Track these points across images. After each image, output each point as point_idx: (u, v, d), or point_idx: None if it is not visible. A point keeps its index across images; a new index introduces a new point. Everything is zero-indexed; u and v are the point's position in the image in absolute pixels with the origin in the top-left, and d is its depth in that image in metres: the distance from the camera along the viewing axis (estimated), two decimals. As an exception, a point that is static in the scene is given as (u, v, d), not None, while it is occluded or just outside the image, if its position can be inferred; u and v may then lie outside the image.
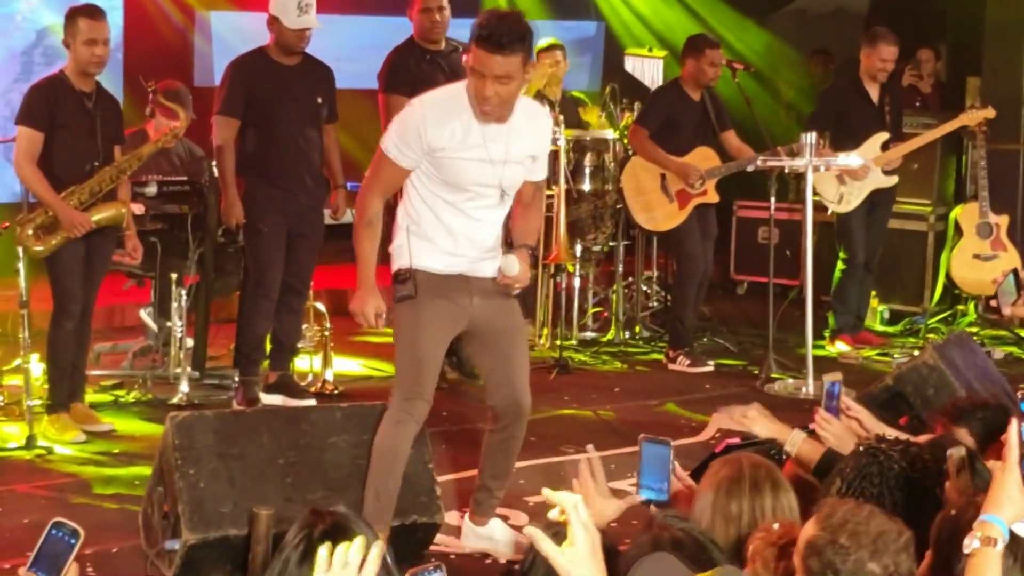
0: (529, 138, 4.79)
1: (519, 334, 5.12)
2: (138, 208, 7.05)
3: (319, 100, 7.10)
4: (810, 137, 7.78)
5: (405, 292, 4.80)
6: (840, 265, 8.77)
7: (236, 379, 7.18)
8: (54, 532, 2.54)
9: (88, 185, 6.47)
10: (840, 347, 8.68)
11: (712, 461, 3.30)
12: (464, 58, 4.85)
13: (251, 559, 4.49)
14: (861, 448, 3.21)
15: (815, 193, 8.12)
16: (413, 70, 7.52)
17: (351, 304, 4.87)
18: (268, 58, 7.08)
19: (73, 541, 2.52)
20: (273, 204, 6.97)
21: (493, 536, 5.09)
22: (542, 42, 9.25)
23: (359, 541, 2.49)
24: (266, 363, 7.22)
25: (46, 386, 6.66)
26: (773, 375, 7.91)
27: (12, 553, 4.93)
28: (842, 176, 8.49)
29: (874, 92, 8.58)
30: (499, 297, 4.94)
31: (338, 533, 2.95)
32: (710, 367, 8.31)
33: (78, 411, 6.64)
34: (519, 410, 5.01)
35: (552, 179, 8.42)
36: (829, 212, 8.74)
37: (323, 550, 2.48)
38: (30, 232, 6.40)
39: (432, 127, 4.68)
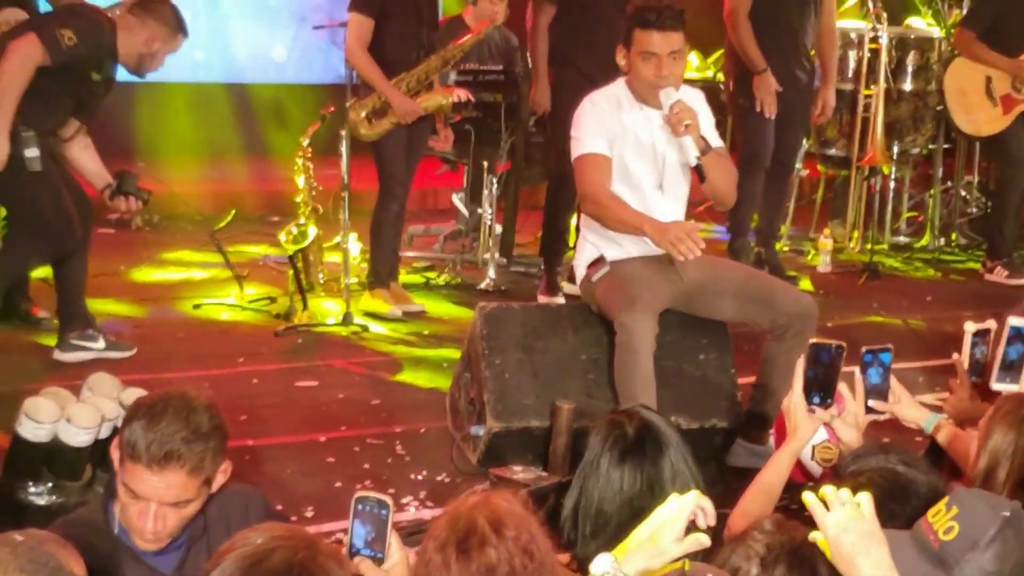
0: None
1: (729, 263, 5.36)
2: (463, 94, 7.15)
3: None
4: None
5: (601, 270, 4.79)
6: None
7: (541, 268, 7.29)
8: (361, 507, 2.44)
9: (416, 72, 6.62)
10: None
11: (1005, 396, 3.16)
12: (621, 59, 4.85)
13: (552, 451, 4.60)
14: None
15: None
16: None
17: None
18: None
19: (384, 512, 2.43)
20: (581, 96, 6.96)
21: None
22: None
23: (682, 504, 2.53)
24: (570, 253, 7.31)
25: (363, 265, 6.92)
26: (1099, 289, 7.53)
27: (328, 426, 5.19)
28: None
29: None
30: (698, 260, 4.85)
31: (651, 429, 3.00)
32: (1030, 279, 7.99)
33: (393, 291, 6.88)
34: (803, 312, 4.78)
35: (872, 78, 8.20)
36: None
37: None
38: (362, 115, 6.59)
39: (610, 118, 4.79)
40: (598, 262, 4.82)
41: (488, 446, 4.74)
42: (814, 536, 2.45)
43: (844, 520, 2.41)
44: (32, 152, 5.39)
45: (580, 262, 4.95)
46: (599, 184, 4.78)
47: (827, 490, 2.49)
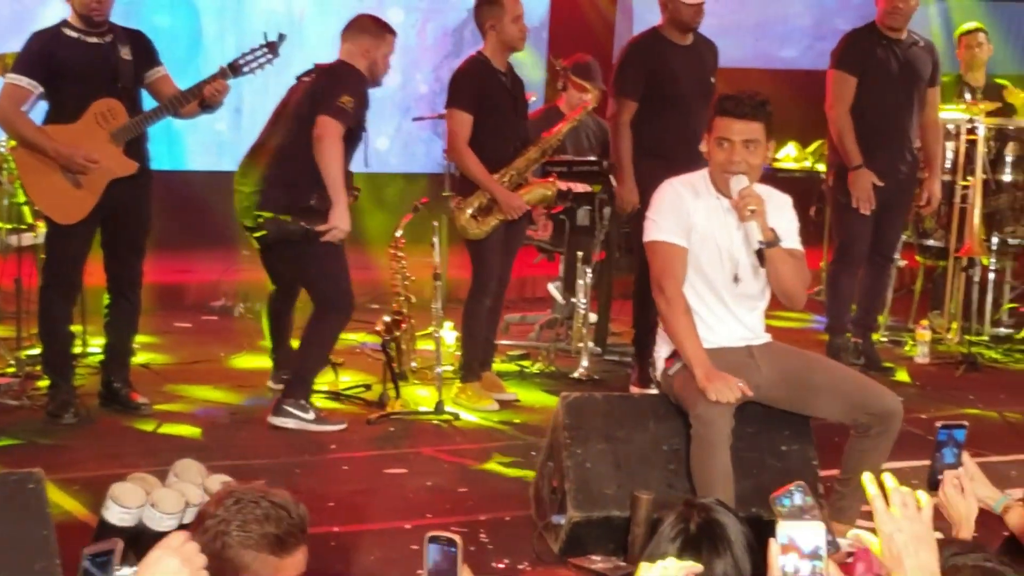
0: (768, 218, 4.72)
1: (813, 357, 5.10)
2: (563, 185, 7.21)
3: (712, 80, 7.08)
4: None
5: (678, 363, 4.80)
6: None
7: (632, 358, 7.30)
8: (434, 545, 2.58)
9: (516, 165, 6.72)
10: None
11: None
12: (703, 146, 4.90)
13: (631, 541, 4.61)
14: None
15: None
16: (867, 53, 7.49)
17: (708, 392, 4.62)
18: (663, 38, 7.06)
19: (453, 549, 2.56)
20: None
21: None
22: (965, 25, 8.96)
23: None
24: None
25: (457, 353, 6.99)
26: None
27: (413, 514, 5.25)
28: None
29: None
30: (778, 350, 4.93)
31: (713, 527, 2.99)
32: None
33: (487, 379, 6.94)
34: (887, 412, 4.79)
35: (969, 169, 8.16)
36: None
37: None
38: (468, 214, 6.69)
39: (689, 205, 4.82)
40: (675, 355, 4.84)
41: (569, 535, 4.76)
42: (855, 533, 2.45)
43: (900, 519, 2.42)
44: None
45: (659, 355, 4.98)
46: (675, 286, 4.80)
47: (890, 483, 2.48)
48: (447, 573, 2.57)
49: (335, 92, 6.16)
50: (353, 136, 6.32)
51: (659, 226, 4.87)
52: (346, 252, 6.41)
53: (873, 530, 2.49)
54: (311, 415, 6.26)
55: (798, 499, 2.51)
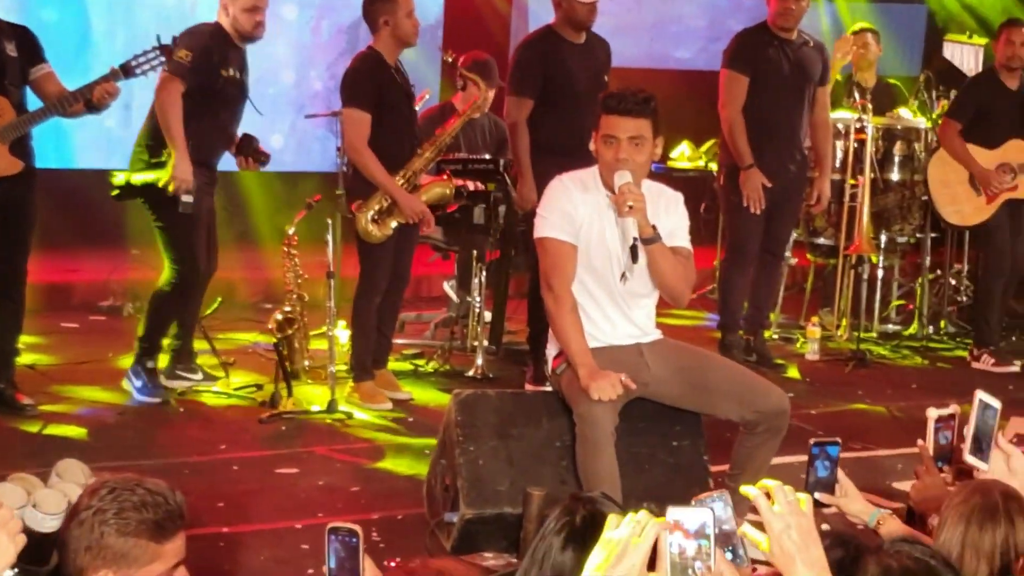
0: (655, 219, 4.74)
1: (703, 355, 5.12)
2: (459, 182, 7.15)
3: (606, 79, 7.10)
4: None
5: (565, 362, 4.80)
6: None
7: (527, 356, 7.30)
8: (334, 537, 2.62)
9: (413, 166, 6.67)
10: None
11: (959, 486, 3.14)
12: (592, 144, 4.92)
13: (523, 537, 4.60)
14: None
15: None
16: (758, 53, 7.56)
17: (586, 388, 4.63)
18: (557, 36, 7.08)
19: (355, 540, 2.60)
20: None
21: None
22: (855, 26, 9.10)
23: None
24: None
25: (350, 352, 6.94)
26: (1084, 379, 7.54)
27: (304, 514, 5.21)
28: None
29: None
30: (668, 347, 4.95)
31: (597, 519, 2.99)
32: (1016, 367, 8.01)
33: (381, 378, 6.89)
34: (774, 410, 4.85)
35: (858, 168, 8.28)
36: None
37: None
38: (369, 217, 6.61)
39: (578, 201, 4.82)
40: (563, 354, 4.84)
41: (461, 532, 4.75)
42: (744, 531, 2.46)
43: (788, 516, 2.44)
44: (187, 197, 6.32)
45: (549, 353, 4.98)
46: (563, 283, 4.79)
47: (771, 482, 2.50)
48: (349, 564, 2.59)
49: (176, 47, 6.29)
50: (217, 91, 6.46)
51: (548, 222, 4.86)
52: (236, 248, 6.34)
53: (762, 526, 2.51)
54: (139, 382, 6.47)
55: (719, 509, 2.52)
